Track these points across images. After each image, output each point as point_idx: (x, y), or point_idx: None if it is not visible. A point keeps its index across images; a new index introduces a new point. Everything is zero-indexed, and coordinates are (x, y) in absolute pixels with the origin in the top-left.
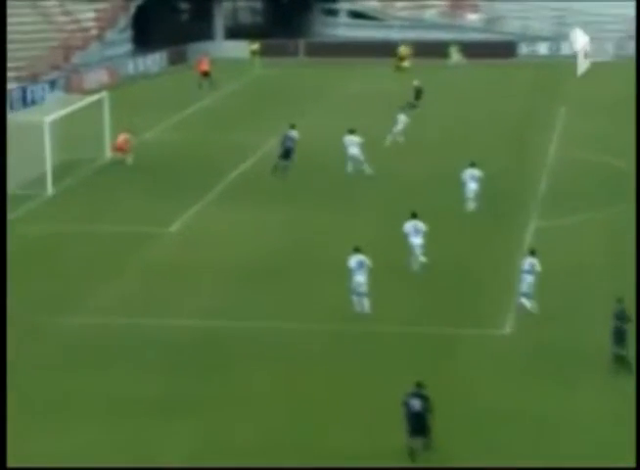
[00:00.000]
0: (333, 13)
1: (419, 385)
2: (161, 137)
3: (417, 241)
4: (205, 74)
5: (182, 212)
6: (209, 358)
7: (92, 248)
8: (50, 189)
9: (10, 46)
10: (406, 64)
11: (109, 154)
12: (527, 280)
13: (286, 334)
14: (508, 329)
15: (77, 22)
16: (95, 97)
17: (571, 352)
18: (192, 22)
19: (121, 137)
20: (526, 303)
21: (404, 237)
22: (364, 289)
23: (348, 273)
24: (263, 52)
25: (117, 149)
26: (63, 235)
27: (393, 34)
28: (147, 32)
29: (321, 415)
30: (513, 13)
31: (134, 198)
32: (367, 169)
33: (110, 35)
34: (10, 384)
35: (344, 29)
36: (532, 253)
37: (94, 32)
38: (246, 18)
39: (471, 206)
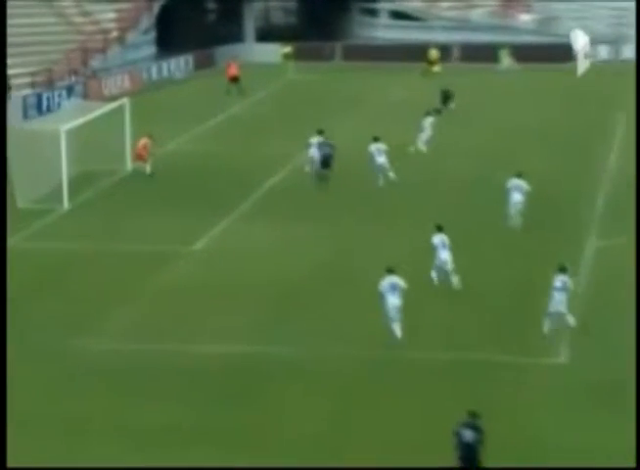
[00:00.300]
0: (372, 13)
1: (473, 415)
2: (187, 148)
3: (445, 255)
4: (234, 80)
5: (208, 229)
6: (236, 385)
7: (110, 267)
8: (66, 203)
9: (23, 49)
10: (437, 68)
11: (130, 165)
12: (557, 298)
13: (320, 360)
14: (563, 358)
15: (96, 23)
16: (115, 104)
17: (630, 382)
18: (220, 23)
19: (141, 143)
20: (547, 324)
21: (433, 250)
22: (398, 313)
23: (380, 298)
24: (297, 55)
25: (137, 157)
26: (79, 253)
27: (438, 36)
28: (172, 34)
29: (359, 444)
30: (569, 13)
31: (156, 213)
32: (392, 176)
33: (131, 37)
34: (19, 409)
35: (385, 31)
36: (563, 269)
37: (114, 34)
38: (278, 18)
39: (516, 222)
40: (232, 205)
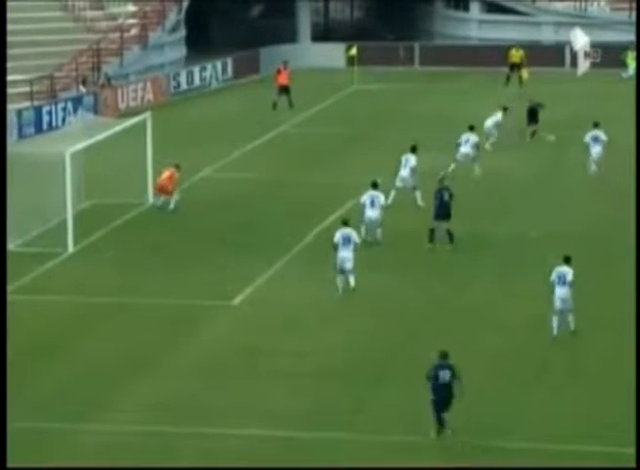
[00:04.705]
0: (462, 5)
1: (444, 355)
2: (223, 175)
3: (373, 214)
4: (284, 90)
5: (250, 279)
6: None
7: (127, 327)
8: (71, 245)
9: (19, 51)
10: (525, 73)
11: (152, 198)
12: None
13: (370, 449)
14: None
15: (112, 18)
16: (134, 120)
17: None
18: (267, 18)
19: (165, 173)
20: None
21: (361, 208)
22: (350, 265)
23: (334, 248)
24: (363, 59)
25: (160, 189)
26: (85, 309)
27: (547, 35)
28: (205, 33)
29: None
30: None
31: (184, 258)
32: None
33: (155, 37)
34: None
35: (478, 29)
36: (567, 260)
37: (134, 33)
38: (341, 12)
39: (593, 169)
40: (282, 248)
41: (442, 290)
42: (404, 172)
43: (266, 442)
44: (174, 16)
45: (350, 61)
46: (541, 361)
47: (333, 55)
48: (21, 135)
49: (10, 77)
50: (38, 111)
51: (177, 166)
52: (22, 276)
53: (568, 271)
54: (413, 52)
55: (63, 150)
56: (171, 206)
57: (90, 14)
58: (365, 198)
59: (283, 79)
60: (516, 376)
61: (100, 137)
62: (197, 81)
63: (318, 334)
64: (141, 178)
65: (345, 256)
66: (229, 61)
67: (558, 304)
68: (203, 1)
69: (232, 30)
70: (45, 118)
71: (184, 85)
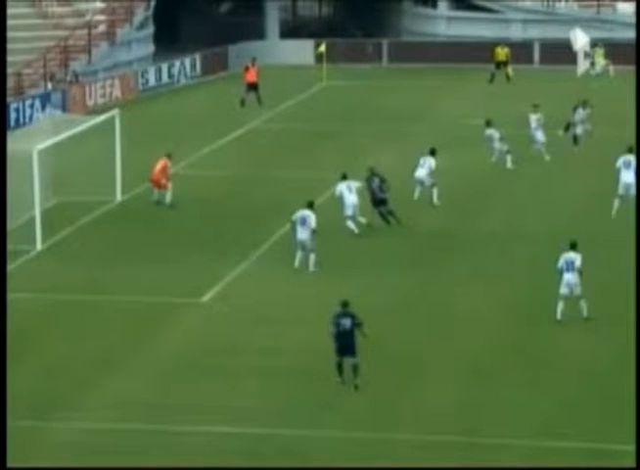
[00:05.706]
0: (430, 3)
1: (345, 304)
2: (192, 173)
3: (354, 198)
4: (252, 87)
5: (219, 276)
6: None
7: (95, 324)
8: (39, 243)
9: None
10: (510, 71)
11: (119, 195)
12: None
13: (364, 446)
14: None
15: (80, 14)
16: (103, 117)
17: None
18: (235, 14)
19: (158, 165)
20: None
21: (339, 199)
22: (310, 244)
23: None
24: (332, 56)
25: (154, 183)
26: (54, 307)
27: (515, 32)
28: (173, 30)
29: None
30: None
31: (153, 256)
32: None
33: (123, 33)
34: None
35: (446, 26)
36: (574, 246)
37: (102, 29)
38: (310, 9)
39: (621, 206)
40: (252, 244)
41: (416, 287)
42: (420, 172)
43: (236, 439)
44: (142, 12)
45: (319, 58)
46: (519, 357)
47: (301, 52)
48: None
49: None
50: (6, 108)
51: (169, 156)
52: None
53: (576, 257)
54: (381, 49)
55: (30, 147)
56: (167, 200)
57: (58, 10)
58: (341, 186)
59: (251, 76)
60: (495, 372)
61: (68, 134)
62: (165, 78)
63: (288, 331)
64: (109, 175)
65: (302, 237)
66: (197, 58)
67: (564, 289)
68: None
69: (200, 27)
70: (12, 116)
71: (152, 82)
